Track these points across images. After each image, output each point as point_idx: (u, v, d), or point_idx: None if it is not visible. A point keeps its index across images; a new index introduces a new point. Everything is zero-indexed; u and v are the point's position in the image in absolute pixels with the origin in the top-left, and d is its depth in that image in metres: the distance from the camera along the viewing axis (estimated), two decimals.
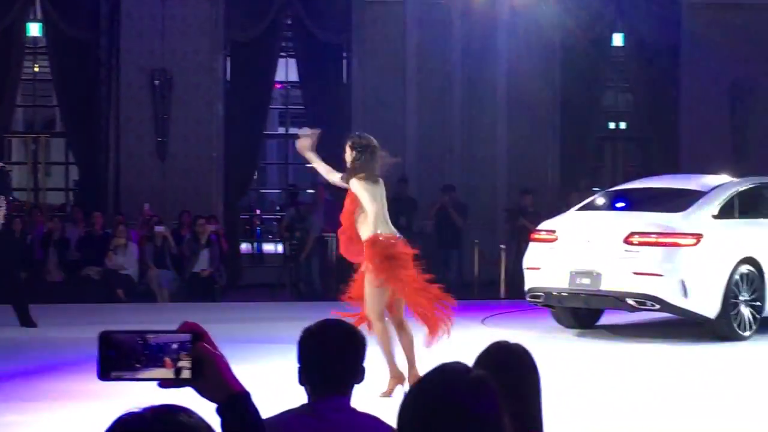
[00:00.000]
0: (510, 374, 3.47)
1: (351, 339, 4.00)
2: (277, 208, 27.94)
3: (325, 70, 21.16)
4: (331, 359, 3.90)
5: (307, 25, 20.67)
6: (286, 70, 22.16)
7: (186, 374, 2.40)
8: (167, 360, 2.40)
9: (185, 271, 18.47)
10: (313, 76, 21.05)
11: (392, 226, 9.77)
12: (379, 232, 9.48)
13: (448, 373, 2.33)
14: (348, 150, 9.73)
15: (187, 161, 20.54)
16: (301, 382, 3.94)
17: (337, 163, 10.03)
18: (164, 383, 2.42)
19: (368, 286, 9.48)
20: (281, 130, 26.79)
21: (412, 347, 9.59)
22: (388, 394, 9.33)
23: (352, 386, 3.94)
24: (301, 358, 3.96)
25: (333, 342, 3.95)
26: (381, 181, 9.73)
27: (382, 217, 9.61)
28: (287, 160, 26.83)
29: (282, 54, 21.62)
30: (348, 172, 9.68)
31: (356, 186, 9.54)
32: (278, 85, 22.68)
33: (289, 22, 21.23)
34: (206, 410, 2.29)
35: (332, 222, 19.69)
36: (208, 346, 2.45)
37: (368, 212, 9.49)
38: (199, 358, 2.42)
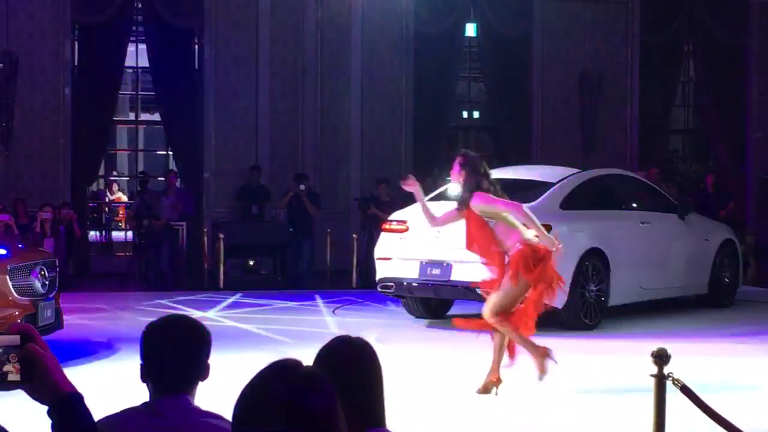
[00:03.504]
0: (350, 368, 3.43)
1: (195, 334, 3.88)
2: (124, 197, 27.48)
3: (176, 56, 20.84)
4: (173, 355, 3.79)
5: (158, 10, 20.30)
6: (137, 55, 21.75)
7: (14, 377, 2.38)
8: None
9: None
10: (163, 61, 20.70)
11: None
12: (527, 237, 9.38)
13: (279, 368, 2.29)
14: (458, 168, 9.77)
15: (32, 147, 20.01)
16: (143, 379, 3.82)
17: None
18: None
19: (511, 286, 9.37)
20: (132, 116, 26.34)
21: (502, 350, 9.61)
22: (543, 372, 9.40)
23: (196, 383, 3.82)
24: (144, 354, 3.84)
25: (176, 337, 3.83)
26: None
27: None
28: (137, 146, 26.40)
29: (132, 38, 21.22)
30: (468, 190, 9.65)
31: (486, 200, 9.49)
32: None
33: (140, 5, 20.82)
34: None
35: (182, 210, 19.51)
36: (38, 348, 2.44)
37: (509, 218, 9.44)
38: (28, 359, 2.40)
